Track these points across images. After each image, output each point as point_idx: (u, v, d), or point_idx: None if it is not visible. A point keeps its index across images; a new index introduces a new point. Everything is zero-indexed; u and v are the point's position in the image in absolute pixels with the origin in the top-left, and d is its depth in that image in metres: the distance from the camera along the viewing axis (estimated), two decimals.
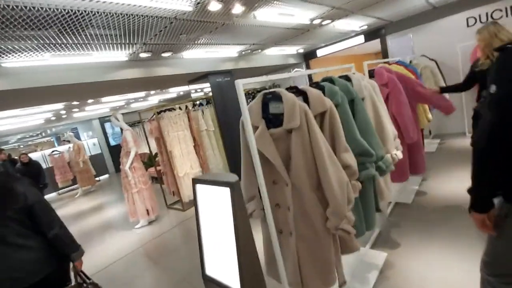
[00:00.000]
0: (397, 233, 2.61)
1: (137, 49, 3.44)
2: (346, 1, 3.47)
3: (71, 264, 1.73)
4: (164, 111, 4.63)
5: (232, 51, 4.88)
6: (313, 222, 1.43)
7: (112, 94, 6.00)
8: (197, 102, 5.34)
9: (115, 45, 3.11)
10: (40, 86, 3.32)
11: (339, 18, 4.30)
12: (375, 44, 6.29)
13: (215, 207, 1.15)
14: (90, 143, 10.49)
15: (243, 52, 5.19)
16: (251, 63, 5.85)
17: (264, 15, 3.20)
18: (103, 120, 10.74)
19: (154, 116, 4.69)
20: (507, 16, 4.58)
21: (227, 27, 3.35)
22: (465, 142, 4.82)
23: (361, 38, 6.25)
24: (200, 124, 5.16)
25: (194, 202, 1.22)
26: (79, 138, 10.91)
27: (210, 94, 5.43)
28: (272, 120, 1.56)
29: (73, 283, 1.71)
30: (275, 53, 6.25)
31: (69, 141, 10.63)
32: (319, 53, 7.04)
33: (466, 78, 2.89)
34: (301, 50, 6.69)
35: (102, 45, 3.01)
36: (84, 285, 1.71)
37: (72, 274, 1.74)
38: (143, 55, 3.69)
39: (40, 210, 1.61)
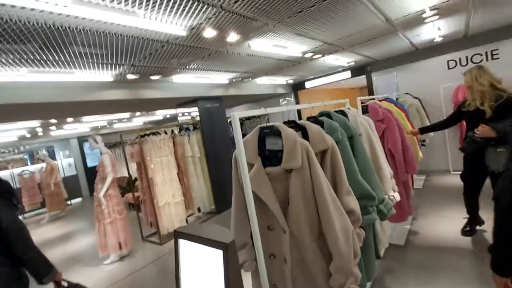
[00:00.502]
0: (392, 280, 2.42)
1: (124, 70, 3.30)
2: (338, 37, 3.55)
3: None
4: (148, 134, 4.40)
5: (223, 77, 4.84)
6: (314, 277, 1.24)
7: (94, 114, 5.73)
8: (184, 127, 5.15)
9: (100, 64, 2.95)
10: (15, 103, 3.04)
11: (330, 54, 4.41)
12: (360, 80, 6.51)
13: (201, 267, 0.93)
14: (66, 164, 9.86)
15: (233, 80, 5.17)
16: (241, 91, 5.83)
17: (258, 45, 3.19)
18: (81, 139, 10.23)
19: (137, 139, 4.45)
20: (487, 60, 4.88)
21: (220, 54, 3.30)
22: (450, 179, 4.87)
23: (348, 74, 6.45)
24: (185, 149, 4.94)
25: (175, 257, 1.00)
26: (54, 158, 10.27)
27: (198, 118, 5.28)
28: (269, 157, 1.41)
29: None
30: (265, 82, 6.29)
31: (43, 160, 9.98)
32: (308, 84, 7.19)
33: (450, 117, 2.94)
34: (290, 81, 6.80)
35: (86, 63, 2.84)
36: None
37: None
38: (130, 76, 3.54)
39: (14, 233, 1.49)
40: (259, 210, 1.34)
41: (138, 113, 7.88)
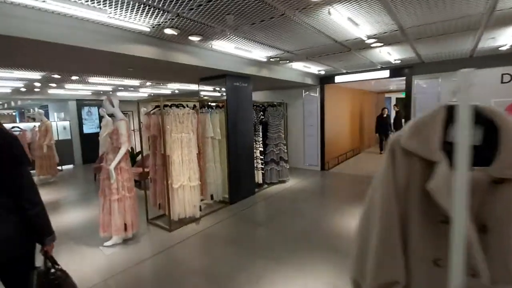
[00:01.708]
0: None
1: (166, 20, 2.69)
2: (415, 24, 3.04)
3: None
4: (170, 106, 3.82)
5: (264, 53, 4.25)
6: None
7: (107, 74, 5.04)
8: (206, 104, 4.58)
9: (143, 5, 2.34)
10: (24, 37, 2.39)
11: (390, 44, 3.89)
12: (384, 83, 6.03)
13: None
14: (60, 126, 9.12)
15: (271, 59, 4.59)
16: (273, 73, 5.26)
17: (337, 16, 2.64)
18: (81, 103, 9.47)
19: (157, 110, 3.87)
20: None
21: (283, 20, 2.73)
22: None
23: (385, 73, 5.96)
24: (206, 129, 4.39)
25: None
26: (48, 118, 9.49)
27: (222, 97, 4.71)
28: (449, 153, 0.91)
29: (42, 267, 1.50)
30: (299, 68, 5.74)
31: (34, 119, 9.18)
32: (338, 79, 6.66)
33: None
34: (322, 72, 6.26)
35: (127, 1, 2.24)
36: (52, 270, 1.52)
37: (41, 258, 1.52)
38: (168, 31, 2.94)
39: (28, 183, 1.42)
40: (427, 234, 0.85)
41: (148, 83, 7.22)
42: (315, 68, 5.85)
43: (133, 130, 11.56)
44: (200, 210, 4.11)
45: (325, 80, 6.95)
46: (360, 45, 3.90)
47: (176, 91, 9.63)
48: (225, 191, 4.82)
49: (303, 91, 7.33)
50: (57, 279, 1.51)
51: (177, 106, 3.85)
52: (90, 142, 9.34)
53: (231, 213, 4.37)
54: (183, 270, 2.84)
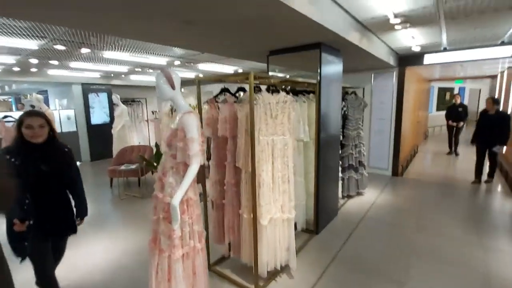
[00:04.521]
0: None
1: None
2: None
3: None
4: (258, 89, 2.30)
5: (388, 8, 2.71)
6: None
7: (144, 36, 3.22)
8: (290, 89, 3.03)
9: None
10: None
11: None
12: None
13: None
14: (63, 116, 7.58)
15: (397, 17, 3.03)
16: (370, 46, 3.71)
17: None
18: (87, 87, 7.88)
19: (228, 96, 2.38)
20: None
21: None
22: None
23: (509, 50, 4.40)
24: (296, 127, 2.88)
25: None
26: (47, 106, 7.92)
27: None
28: None
29: None
30: (395, 41, 4.21)
31: (33, 106, 7.62)
32: (430, 59, 5.09)
33: None
34: (418, 48, 4.69)
35: None
36: None
37: None
38: None
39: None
40: None
41: (177, 62, 5.64)
42: (414, 42, 4.29)
43: (147, 120, 10.06)
44: (297, 254, 2.64)
45: (406, 61, 5.38)
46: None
47: (200, 74, 8.03)
48: (309, 214, 3.36)
49: (372, 75, 5.77)
50: None
51: (267, 90, 2.33)
52: (99, 135, 7.83)
53: (327, 254, 2.92)
54: None
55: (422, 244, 3.06)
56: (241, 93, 2.52)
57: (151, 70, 6.87)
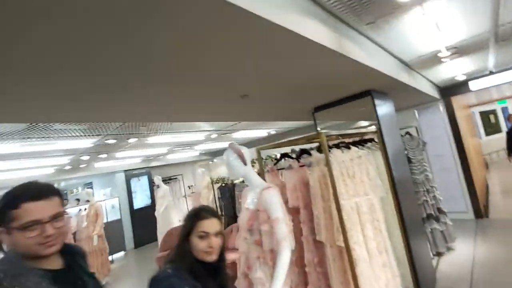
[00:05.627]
0: None
1: None
2: None
3: None
4: (330, 147, 2.06)
5: (440, 44, 2.57)
6: None
7: (197, 115, 3.25)
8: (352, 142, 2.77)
9: None
10: None
11: None
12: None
13: None
14: (109, 206, 7.73)
15: (438, 54, 2.88)
16: (416, 83, 3.51)
17: None
18: (130, 173, 8.17)
19: (293, 161, 2.15)
20: None
21: None
22: None
23: None
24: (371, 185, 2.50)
25: None
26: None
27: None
28: None
29: None
30: (434, 76, 4.00)
31: (78, 200, 7.88)
32: (475, 85, 4.76)
33: None
34: (463, 77, 4.43)
35: None
36: None
37: None
38: None
39: None
40: None
41: (214, 135, 5.74)
42: (460, 71, 4.06)
43: (184, 196, 10.04)
44: None
45: (449, 91, 5.08)
46: None
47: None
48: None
49: (416, 112, 5.45)
50: None
51: (337, 146, 2.08)
52: (142, 219, 7.75)
53: None
54: None
55: None
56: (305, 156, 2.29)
57: (188, 147, 7.08)
